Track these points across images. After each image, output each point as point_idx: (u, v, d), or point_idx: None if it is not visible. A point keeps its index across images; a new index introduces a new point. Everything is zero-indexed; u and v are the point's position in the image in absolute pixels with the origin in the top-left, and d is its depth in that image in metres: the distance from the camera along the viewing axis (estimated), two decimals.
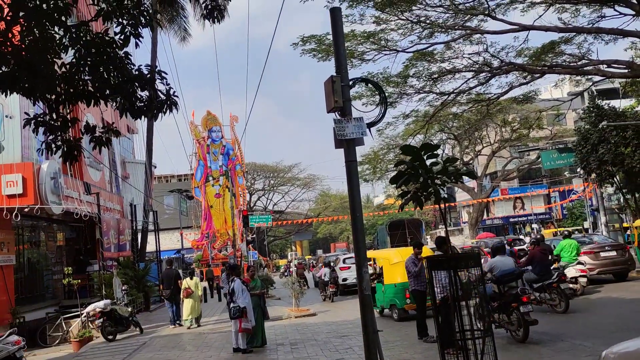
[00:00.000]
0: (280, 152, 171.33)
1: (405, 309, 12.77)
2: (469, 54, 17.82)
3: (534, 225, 45.49)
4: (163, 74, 6.55)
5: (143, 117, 6.77)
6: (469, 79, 18.00)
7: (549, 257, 12.91)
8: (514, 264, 9.91)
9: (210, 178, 46.40)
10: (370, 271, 15.15)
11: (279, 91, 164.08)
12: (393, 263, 13.43)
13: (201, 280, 22.90)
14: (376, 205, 78.51)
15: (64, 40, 6.19)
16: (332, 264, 24.11)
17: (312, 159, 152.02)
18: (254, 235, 53.67)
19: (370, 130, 6.13)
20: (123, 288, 17.67)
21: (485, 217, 49.35)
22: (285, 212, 67.71)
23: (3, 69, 5.88)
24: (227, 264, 17.83)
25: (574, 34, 16.91)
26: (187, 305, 15.71)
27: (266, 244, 67.78)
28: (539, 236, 14.42)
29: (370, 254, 17.06)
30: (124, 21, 6.19)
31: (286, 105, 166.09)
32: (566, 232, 15.82)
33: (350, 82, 6.25)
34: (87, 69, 6.25)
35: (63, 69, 6.28)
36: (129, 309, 15.61)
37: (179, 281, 16.24)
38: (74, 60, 6.23)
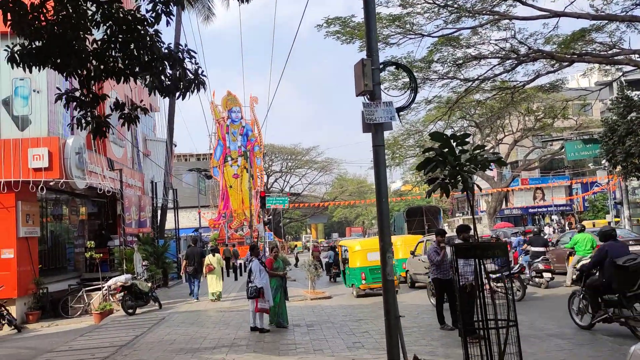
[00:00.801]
0: (298, 135, 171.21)
1: (361, 288, 15.99)
2: (495, 40, 17.61)
3: (554, 217, 45.02)
4: (192, 53, 6.56)
5: (171, 95, 6.82)
6: (494, 66, 17.76)
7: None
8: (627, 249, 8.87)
9: (229, 158, 46.65)
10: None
11: (299, 73, 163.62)
12: (355, 251, 16.59)
13: None
14: (393, 191, 78.22)
15: (95, 16, 6.23)
16: (336, 247, 23.97)
17: (330, 142, 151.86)
18: (270, 217, 54.02)
19: (399, 115, 6.09)
20: (143, 264, 17.96)
21: (504, 206, 48.96)
22: (302, 195, 67.90)
23: (37, 43, 5.94)
24: (252, 245, 18.19)
25: (606, 21, 16.51)
26: (210, 280, 16.49)
27: (282, 226, 68.15)
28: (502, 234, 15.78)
29: (342, 242, 19.04)
30: None
31: (306, 88, 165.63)
32: (580, 227, 15.82)
33: (381, 66, 6.20)
34: (117, 45, 6.30)
35: (94, 45, 6.33)
36: (149, 285, 15.87)
37: (203, 259, 16.89)
38: (105, 36, 6.27)
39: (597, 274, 8.61)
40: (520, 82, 19.02)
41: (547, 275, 14.82)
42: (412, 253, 17.46)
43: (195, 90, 6.65)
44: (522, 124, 35.93)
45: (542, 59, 17.35)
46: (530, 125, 35.31)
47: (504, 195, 43.25)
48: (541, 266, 14.91)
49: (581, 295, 9.01)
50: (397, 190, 76.03)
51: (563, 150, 30.53)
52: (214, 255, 16.93)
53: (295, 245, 58.61)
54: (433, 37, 16.97)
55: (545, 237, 19.91)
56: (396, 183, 79.55)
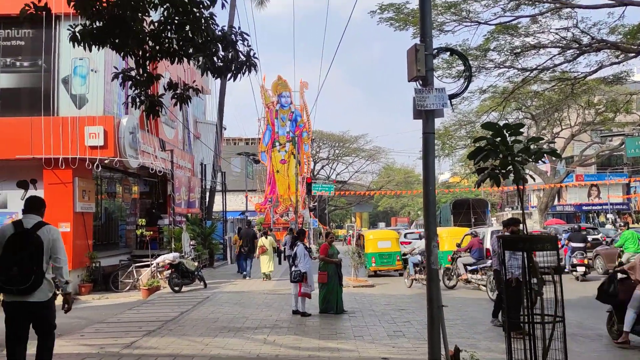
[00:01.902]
0: (347, 122, 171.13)
1: (370, 269, 19.39)
2: (556, 29, 16.92)
3: (609, 215, 43.36)
4: (245, 36, 6.64)
5: (223, 76, 6.94)
6: (554, 56, 17.13)
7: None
8: None
9: (277, 143, 47.06)
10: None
11: (350, 60, 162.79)
12: (369, 239, 20.06)
13: None
14: (441, 182, 77.13)
15: None
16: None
17: (379, 131, 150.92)
18: (315, 204, 54.30)
19: (451, 103, 6.00)
20: (191, 243, 18.46)
21: (556, 202, 47.48)
22: (348, 183, 67.85)
23: (97, 24, 6.15)
24: (291, 229, 18.79)
25: None
26: (263, 261, 17.95)
27: (327, 213, 68.42)
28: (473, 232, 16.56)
29: (363, 231, 24.89)
30: None
31: (357, 75, 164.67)
32: (622, 223, 16.06)
33: (435, 51, 6.11)
34: (173, 27, 6.43)
35: (151, 27, 6.49)
36: (195, 264, 16.31)
37: (255, 240, 18.86)
38: (162, 18, 6.42)
39: None
40: (582, 73, 18.29)
41: (580, 269, 15.82)
42: (459, 245, 17.26)
43: (247, 72, 6.74)
44: (581, 118, 34.61)
45: (605, 50, 16.62)
46: (589, 119, 33.97)
47: (556, 191, 41.91)
48: (575, 260, 16.05)
49: None
50: (445, 182, 74.93)
51: (623, 146, 29.24)
52: (266, 238, 18.40)
53: (339, 235, 58.77)
54: (490, 24, 16.52)
55: (600, 235, 19.85)
56: (444, 174, 78.38)
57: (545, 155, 5.76)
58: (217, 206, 29.49)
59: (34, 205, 5.38)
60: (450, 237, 18.70)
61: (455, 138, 33.50)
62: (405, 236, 23.61)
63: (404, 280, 17.06)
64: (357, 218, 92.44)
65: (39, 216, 5.32)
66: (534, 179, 5.94)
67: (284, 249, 17.57)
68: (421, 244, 18.33)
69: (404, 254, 18.85)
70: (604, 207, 46.74)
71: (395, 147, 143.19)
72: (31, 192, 15.36)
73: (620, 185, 47.83)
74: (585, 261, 16.24)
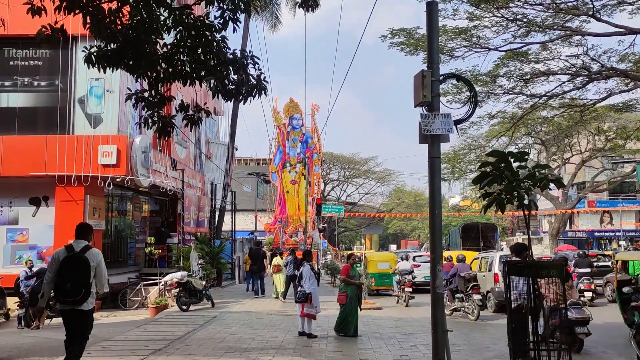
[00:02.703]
0: (357, 144, 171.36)
1: (371, 289, 20.13)
2: (566, 56, 16.98)
3: (622, 242, 42.81)
4: (256, 59, 6.75)
5: (233, 99, 7.05)
6: (563, 82, 17.18)
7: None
8: None
9: (288, 164, 47.26)
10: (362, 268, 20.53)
11: (361, 83, 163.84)
12: (370, 260, 21.76)
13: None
14: (451, 205, 76.85)
15: (167, 21, 6.54)
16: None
17: (389, 153, 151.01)
18: (325, 225, 54.20)
19: (456, 128, 6.05)
20: (199, 262, 18.48)
21: (567, 228, 47.02)
22: (358, 205, 67.75)
23: (112, 46, 6.30)
24: (293, 250, 19.11)
25: None
26: (277, 280, 18.34)
27: (336, 234, 68.26)
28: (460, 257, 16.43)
29: (367, 253, 26.53)
30: (224, 6, 6.44)
31: (367, 97, 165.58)
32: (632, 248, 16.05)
33: (441, 78, 6.18)
34: (186, 50, 6.57)
35: (164, 49, 6.63)
36: (203, 283, 16.30)
37: (265, 260, 19.44)
38: (174, 41, 6.55)
39: None
40: (591, 100, 18.30)
41: (588, 294, 15.79)
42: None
43: (257, 95, 6.84)
44: (592, 144, 34.46)
45: (615, 77, 16.64)
46: (600, 146, 33.80)
47: (568, 217, 41.55)
48: (582, 286, 16.08)
49: None
50: (455, 206, 74.65)
51: (635, 173, 29.02)
52: (281, 258, 18.89)
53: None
54: (500, 51, 16.64)
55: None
56: (455, 198, 78.14)
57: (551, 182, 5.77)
58: (227, 225, 29.54)
59: (82, 232, 6.74)
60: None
61: (465, 162, 33.44)
62: (414, 259, 23.42)
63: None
64: (366, 240, 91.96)
65: (87, 241, 6.65)
66: (536, 207, 5.95)
67: (285, 269, 17.65)
68: (401, 265, 18.54)
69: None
70: (616, 233, 46.18)
71: (406, 169, 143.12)
72: (43, 209, 15.52)
73: (634, 212, 47.31)
74: (592, 287, 16.20)
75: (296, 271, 16.56)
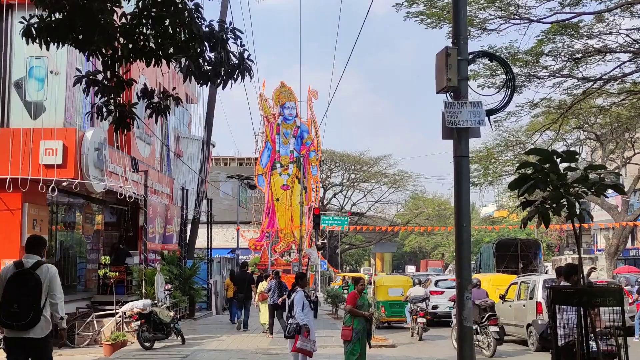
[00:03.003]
0: (365, 140, 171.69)
1: (380, 320, 20.41)
2: (627, 29, 17.04)
3: None
4: (238, 33, 6.75)
5: (210, 83, 7.06)
6: (624, 63, 17.24)
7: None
8: None
9: (278, 165, 47.33)
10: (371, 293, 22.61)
11: (370, 63, 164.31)
12: (379, 285, 21.96)
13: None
14: (483, 217, 76.90)
15: None
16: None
17: (406, 151, 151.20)
18: (325, 241, 54.27)
19: (489, 120, 6.06)
20: (166, 288, 18.46)
21: (629, 245, 47.03)
22: (366, 216, 67.87)
23: (57, 15, 6.29)
24: (277, 272, 19.29)
25: None
26: (263, 310, 18.35)
27: (339, 253, 68.38)
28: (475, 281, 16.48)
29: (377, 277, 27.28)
30: None
31: (378, 81, 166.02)
32: None
33: (470, 57, 6.20)
34: (150, 21, 6.56)
35: (123, 20, 6.63)
36: (171, 314, 16.28)
37: (252, 285, 19.64)
38: (136, 10, 6.55)
39: None
40: None
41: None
42: (502, 297, 17.16)
43: (239, 78, 6.83)
44: None
45: None
46: None
47: (629, 231, 41.57)
48: None
49: None
50: (488, 217, 74.74)
51: None
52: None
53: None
54: (544, 22, 16.69)
55: None
56: (488, 207, 78.20)
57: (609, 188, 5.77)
58: (201, 242, 29.52)
59: (33, 245, 7.08)
60: (492, 286, 18.57)
61: (500, 162, 33.48)
62: (436, 284, 23.44)
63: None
64: (377, 260, 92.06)
65: (39, 255, 6.97)
66: (591, 217, 5.94)
67: (268, 296, 17.69)
68: (413, 291, 18.64)
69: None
70: None
71: (426, 171, 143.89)
72: None
73: None
74: None
75: (280, 299, 16.74)
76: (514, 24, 16.70)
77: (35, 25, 6.30)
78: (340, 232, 58.50)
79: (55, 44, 6.47)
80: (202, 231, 28.72)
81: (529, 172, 5.57)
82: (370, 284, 25.08)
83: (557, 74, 18.13)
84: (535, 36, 17.80)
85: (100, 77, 6.93)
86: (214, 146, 34.96)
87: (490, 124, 6.23)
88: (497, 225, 58.61)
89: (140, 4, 6.47)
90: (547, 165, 5.25)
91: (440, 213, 74.43)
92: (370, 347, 11.58)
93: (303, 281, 11.92)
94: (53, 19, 6.31)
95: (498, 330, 14.46)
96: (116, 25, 6.54)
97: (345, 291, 27.22)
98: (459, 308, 6.02)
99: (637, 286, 19.91)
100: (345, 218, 43.00)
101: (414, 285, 19.99)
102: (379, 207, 70.35)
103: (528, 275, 19.81)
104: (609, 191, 5.87)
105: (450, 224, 59.69)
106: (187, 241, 26.19)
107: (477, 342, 14.38)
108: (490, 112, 6.19)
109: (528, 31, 16.43)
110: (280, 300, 16.81)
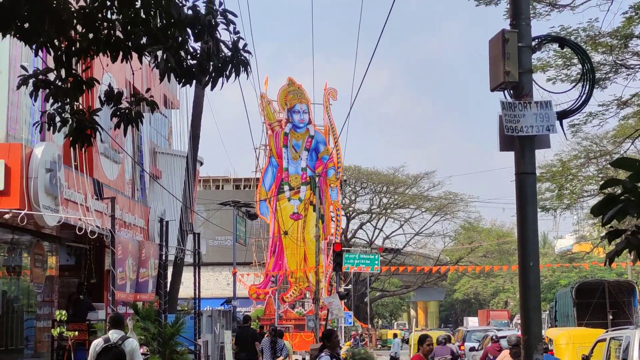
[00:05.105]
0: (400, 153, 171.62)
1: None
2: None
3: None
4: (230, 16, 6.80)
5: (195, 82, 7.10)
6: None
7: None
8: None
9: (286, 187, 47.44)
10: None
11: (404, 51, 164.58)
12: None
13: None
14: (559, 252, 76.32)
15: None
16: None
17: (454, 167, 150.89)
18: (349, 286, 54.14)
19: (562, 124, 6.04)
20: (142, 352, 18.46)
21: None
22: (403, 253, 67.77)
23: None
24: (274, 329, 19.61)
25: None
26: None
27: (367, 303, 68.08)
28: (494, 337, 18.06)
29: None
30: None
31: (416, 75, 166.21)
32: None
33: (535, 42, 6.19)
34: (115, 3, 6.64)
35: (81, 3, 6.72)
36: None
37: (257, 343, 20.14)
38: None
39: None
40: None
41: None
42: (586, 359, 16.96)
43: (233, 75, 6.87)
44: None
45: None
46: None
47: None
48: None
49: None
50: (565, 252, 74.17)
51: None
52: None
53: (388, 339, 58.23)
54: None
55: None
56: (565, 239, 77.68)
57: None
58: (187, 290, 29.51)
59: (117, 322, 11.63)
60: (572, 343, 18.40)
61: (579, 179, 33.30)
62: (496, 340, 23.26)
63: None
64: (418, 311, 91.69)
65: (122, 330, 11.23)
66: None
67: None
68: (437, 350, 18.68)
69: None
70: None
71: (482, 193, 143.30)
72: None
73: None
74: None
75: None
76: None
77: None
78: (370, 274, 58.24)
79: None
80: (187, 275, 28.71)
81: (617, 192, 5.55)
82: (407, 342, 24.95)
83: None
84: (622, 13, 17.75)
85: (52, 76, 7.01)
86: (201, 164, 35.09)
87: (564, 131, 6.22)
88: (577, 262, 58.12)
89: None
90: None
91: (501, 248, 74.06)
92: None
93: (331, 341, 11.50)
94: None
95: None
96: (72, 9, 6.61)
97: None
98: None
99: None
100: (375, 256, 42.93)
101: (439, 345, 19.93)
102: (420, 242, 70.27)
103: (620, 330, 19.58)
104: None
105: (514, 262, 59.34)
106: (168, 289, 26.21)
107: None
108: (563, 115, 6.16)
109: (612, 6, 16.37)
110: None
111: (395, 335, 35.88)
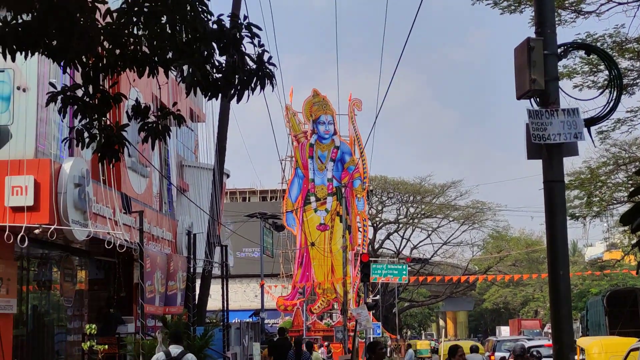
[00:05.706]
0: (427, 163, 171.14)
1: None
2: None
3: None
4: (255, 30, 6.84)
5: (220, 95, 7.13)
6: None
7: None
8: None
9: (313, 198, 47.43)
10: None
11: (431, 61, 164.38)
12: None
13: None
14: (589, 260, 75.56)
15: None
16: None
17: (482, 176, 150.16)
18: (377, 297, 53.97)
19: (590, 132, 6.01)
20: None
21: None
22: (431, 263, 67.42)
23: (25, 17, 6.45)
24: (298, 340, 19.76)
25: None
26: None
27: (396, 313, 67.79)
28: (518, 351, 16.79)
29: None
30: None
31: (442, 84, 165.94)
32: None
33: (560, 50, 6.17)
34: (142, 19, 6.68)
35: (108, 19, 6.77)
36: None
37: None
38: (123, 6, 6.69)
39: None
40: None
41: None
42: None
43: (258, 87, 6.90)
44: None
45: None
46: None
47: None
48: None
49: None
50: (596, 260, 73.42)
51: None
52: (311, 353, 20.39)
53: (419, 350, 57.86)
54: None
55: None
56: (595, 247, 76.95)
57: None
58: (215, 302, 29.56)
59: (177, 337, 13.02)
60: (604, 352, 18.19)
61: (609, 186, 33.00)
62: (530, 353, 23.06)
63: None
64: (447, 321, 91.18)
65: (182, 346, 12.52)
66: None
67: None
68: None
69: None
70: None
71: (510, 202, 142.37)
72: None
73: None
74: None
75: None
76: (619, 3, 16.62)
77: None
78: (398, 285, 58.06)
79: (23, 53, 6.59)
80: (215, 288, 28.78)
81: None
82: (436, 353, 24.67)
83: None
84: None
85: (80, 92, 7.06)
86: (228, 176, 35.15)
87: (592, 138, 6.19)
88: (608, 270, 57.53)
89: None
90: None
91: (530, 256, 73.50)
92: None
93: (376, 353, 10.92)
94: (20, 21, 6.44)
95: None
96: (99, 26, 6.67)
97: None
98: None
99: None
100: (403, 266, 42.83)
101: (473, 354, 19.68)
102: (448, 251, 69.89)
103: None
104: None
105: (544, 270, 58.83)
106: (197, 302, 26.26)
107: None
108: (590, 122, 6.14)
109: (639, 12, 16.23)
110: None
111: (409, 346, 35.42)
